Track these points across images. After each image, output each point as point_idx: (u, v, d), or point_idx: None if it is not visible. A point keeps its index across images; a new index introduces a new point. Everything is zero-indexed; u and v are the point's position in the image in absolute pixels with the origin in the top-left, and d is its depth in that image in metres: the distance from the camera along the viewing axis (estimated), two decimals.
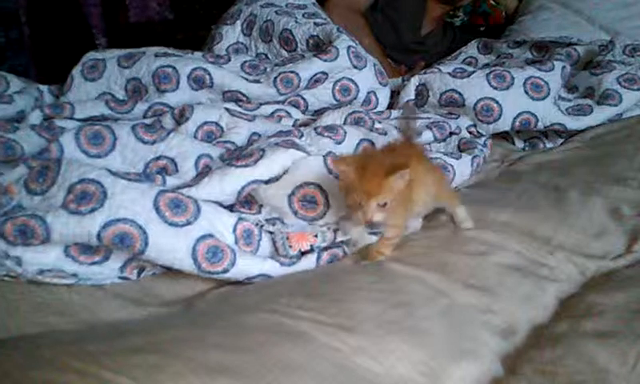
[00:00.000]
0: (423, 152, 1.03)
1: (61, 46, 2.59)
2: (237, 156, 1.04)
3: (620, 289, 0.82)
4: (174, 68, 1.33)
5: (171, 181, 1.01)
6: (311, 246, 0.99)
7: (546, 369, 0.68)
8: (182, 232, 0.89)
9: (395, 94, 1.58)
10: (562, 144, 1.46)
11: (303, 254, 0.98)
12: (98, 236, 0.85)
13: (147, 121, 1.26)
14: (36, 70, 2.63)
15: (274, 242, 0.99)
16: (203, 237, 0.91)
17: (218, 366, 0.61)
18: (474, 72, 1.46)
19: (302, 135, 1.15)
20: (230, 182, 0.98)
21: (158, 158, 1.07)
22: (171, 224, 0.89)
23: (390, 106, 1.53)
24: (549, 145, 1.48)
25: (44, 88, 1.40)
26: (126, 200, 0.88)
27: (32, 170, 0.95)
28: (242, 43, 1.65)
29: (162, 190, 0.92)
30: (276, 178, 1.00)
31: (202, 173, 1.04)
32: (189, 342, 0.65)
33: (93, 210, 0.86)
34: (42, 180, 0.92)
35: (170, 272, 0.93)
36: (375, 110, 1.46)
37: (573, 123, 1.41)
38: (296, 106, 1.41)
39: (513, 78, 1.41)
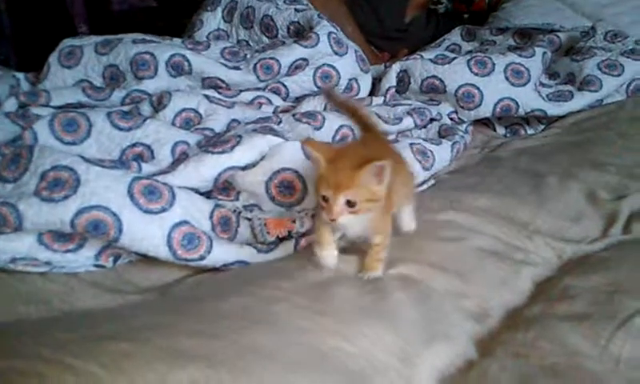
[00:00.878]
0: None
1: (42, 35, 2.55)
2: (213, 142, 1.03)
3: (595, 272, 0.82)
4: (152, 54, 1.31)
5: (147, 168, 1.00)
6: (289, 232, 0.98)
7: (520, 351, 0.68)
8: (157, 219, 0.89)
9: (377, 82, 1.57)
10: (542, 130, 1.46)
11: (281, 240, 0.98)
12: (72, 223, 0.84)
13: (125, 108, 1.24)
14: (17, 59, 2.59)
15: (251, 229, 0.99)
16: (179, 224, 0.90)
17: (188, 353, 0.60)
18: (455, 58, 1.45)
19: (280, 121, 1.14)
20: (206, 169, 0.97)
21: (133, 145, 1.06)
22: (146, 211, 0.88)
23: (372, 93, 1.52)
24: (530, 131, 1.48)
25: (20, 75, 1.37)
26: (99, 187, 0.87)
27: (4, 157, 0.93)
28: (223, 30, 1.64)
29: (137, 176, 0.91)
30: (253, 164, 0.99)
31: (179, 159, 1.03)
32: (160, 329, 0.65)
33: (66, 197, 0.85)
34: (14, 167, 0.90)
35: (145, 259, 0.92)
36: (357, 97, 1.45)
37: (553, 109, 1.42)
38: (277, 92, 1.40)
39: (494, 65, 1.41)
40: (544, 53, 1.49)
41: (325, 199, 0.75)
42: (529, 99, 1.40)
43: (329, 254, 0.82)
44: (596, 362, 0.64)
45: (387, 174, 0.74)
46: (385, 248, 0.82)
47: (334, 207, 0.73)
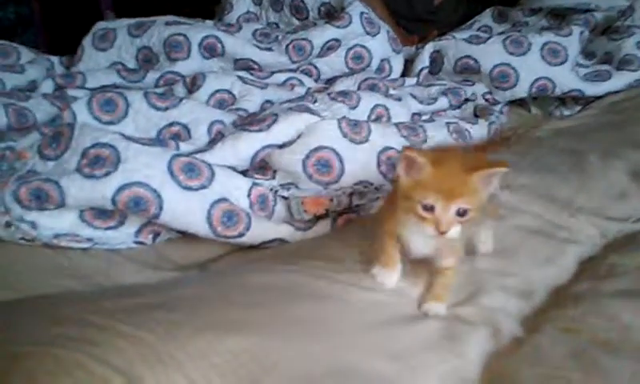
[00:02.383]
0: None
1: (70, 22, 2.58)
2: (250, 121, 1.03)
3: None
4: (186, 36, 1.32)
5: (184, 146, 1.01)
6: (326, 210, 0.98)
7: (570, 326, 0.67)
8: (197, 196, 0.89)
9: (408, 63, 1.55)
10: (579, 111, 1.43)
11: (318, 218, 0.98)
12: (113, 200, 0.85)
13: (159, 90, 1.25)
14: (46, 46, 2.62)
15: (288, 208, 0.98)
16: (218, 201, 0.90)
17: (237, 323, 0.60)
18: (489, 38, 1.43)
19: (315, 101, 1.13)
20: (243, 147, 0.97)
21: (170, 125, 1.06)
22: (186, 188, 0.88)
23: (404, 75, 1.50)
24: (566, 112, 1.45)
25: (54, 59, 1.39)
26: (139, 164, 0.87)
27: (45, 136, 0.94)
28: (253, 13, 1.63)
29: (176, 154, 0.91)
30: (290, 143, 0.99)
31: (216, 138, 1.03)
32: (206, 300, 0.65)
33: (107, 174, 0.86)
34: (55, 145, 0.91)
35: (185, 237, 0.93)
36: (389, 78, 1.44)
37: (591, 89, 1.38)
38: (308, 74, 1.39)
39: (530, 44, 1.38)
40: (581, 32, 1.46)
41: (427, 208, 0.62)
42: (566, 79, 1.37)
43: (393, 274, 0.72)
44: None
45: (496, 182, 0.64)
46: (454, 273, 0.71)
47: (443, 217, 0.61)
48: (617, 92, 1.41)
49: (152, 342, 0.55)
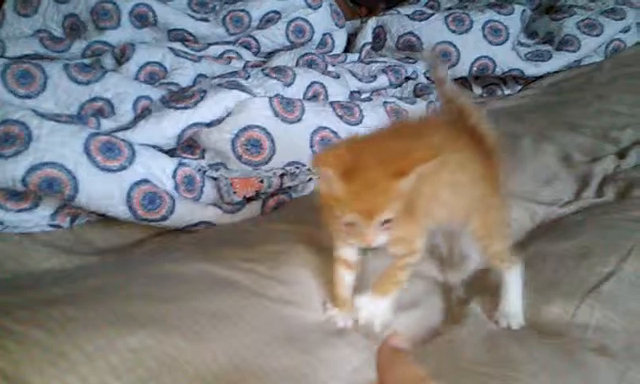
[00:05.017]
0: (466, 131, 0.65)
1: None
2: (177, 98, 0.98)
3: (565, 236, 0.81)
4: (115, 4, 1.24)
5: (107, 123, 0.95)
6: (257, 192, 0.95)
7: (488, 317, 0.66)
8: (116, 177, 0.84)
9: (353, 37, 1.52)
10: (519, 90, 1.44)
11: (248, 200, 0.95)
12: (23, 181, 0.80)
13: (86, 60, 1.18)
14: None
15: (217, 189, 0.95)
16: (139, 182, 0.86)
17: (140, 317, 0.57)
18: (432, 15, 1.41)
19: (248, 76, 1.09)
20: (168, 125, 0.92)
21: (93, 100, 1.00)
22: (103, 168, 0.84)
23: (346, 50, 1.47)
24: (507, 91, 1.45)
25: None
26: (53, 143, 0.82)
27: None
28: None
29: (94, 132, 0.86)
30: (218, 121, 0.95)
31: (141, 116, 0.98)
32: (112, 292, 0.61)
33: (17, 153, 0.80)
34: None
35: (105, 220, 0.89)
36: (331, 53, 1.41)
37: (531, 69, 1.39)
38: (247, 47, 1.34)
39: (472, 22, 1.37)
40: (523, 10, 1.46)
41: (349, 224, 0.56)
42: (506, 58, 1.37)
43: (346, 315, 0.65)
44: (564, 329, 0.63)
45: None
46: (407, 267, 0.63)
47: (367, 232, 0.55)
48: (557, 72, 1.42)
49: (43, 340, 0.51)
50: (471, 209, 0.65)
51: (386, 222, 0.55)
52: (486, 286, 0.73)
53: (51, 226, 0.87)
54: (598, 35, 1.43)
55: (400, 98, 1.20)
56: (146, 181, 0.86)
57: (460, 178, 0.63)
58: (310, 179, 1.00)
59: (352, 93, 1.22)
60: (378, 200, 0.54)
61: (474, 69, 1.36)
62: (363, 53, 1.43)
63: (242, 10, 1.30)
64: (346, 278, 0.65)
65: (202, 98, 0.94)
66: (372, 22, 1.46)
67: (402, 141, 0.58)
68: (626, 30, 1.47)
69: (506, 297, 0.67)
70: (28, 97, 0.98)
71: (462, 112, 0.65)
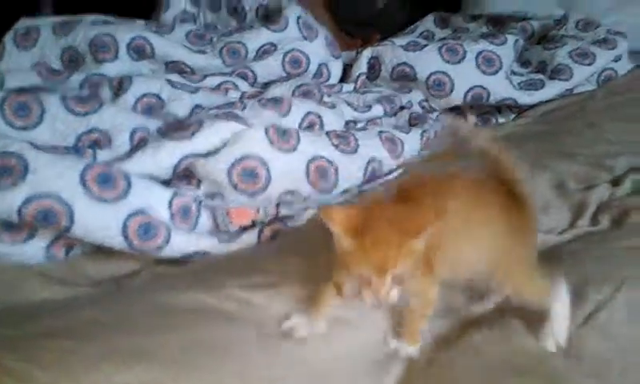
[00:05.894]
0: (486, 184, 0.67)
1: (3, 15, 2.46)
2: (174, 128, 0.99)
3: (561, 265, 0.81)
4: (113, 37, 1.26)
5: (104, 155, 0.96)
6: (253, 221, 0.95)
7: (481, 348, 0.66)
8: (112, 208, 0.85)
9: (348, 68, 1.53)
10: (513, 119, 1.45)
11: (244, 229, 0.95)
12: (19, 212, 0.80)
13: (83, 92, 1.19)
14: None
15: (214, 218, 0.95)
16: (135, 213, 0.86)
17: (135, 350, 0.57)
18: (426, 45, 1.43)
19: (244, 107, 1.10)
20: (165, 156, 0.93)
21: (90, 131, 1.00)
22: (99, 199, 0.84)
23: (342, 80, 1.49)
24: (501, 120, 1.47)
25: None
26: (49, 175, 0.83)
27: None
28: (190, 12, 1.58)
29: (90, 164, 0.87)
30: (214, 152, 0.95)
31: (137, 146, 0.99)
32: (108, 325, 0.62)
33: (13, 185, 0.81)
34: None
35: (101, 251, 0.88)
36: (327, 83, 1.42)
37: (524, 98, 1.40)
38: (244, 77, 1.35)
39: (465, 52, 1.39)
40: (516, 40, 1.48)
41: (362, 278, 0.57)
42: (500, 87, 1.38)
43: (309, 325, 0.66)
44: (560, 360, 0.62)
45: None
46: (423, 317, 0.65)
47: (380, 288, 0.56)
48: (550, 100, 1.44)
49: (39, 377, 0.51)
50: (494, 262, 0.65)
51: (399, 278, 0.56)
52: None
53: (47, 257, 0.87)
54: (590, 64, 1.45)
55: (395, 127, 1.21)
56: (141, 211, 0.87)
57: (480, 233, 0.64)
58: (306, 208, 1.00)
59: (347, 122, 1.23)
60: (390, 256, 0.55)
61: (468, 98, 1.37)
62: (359, 83, 1.44)
63: (239, 42, 1.32)
64: (331, 299, 0.66)
65: (199, 128, 0.95)
66: (367, 53, 1.48)
67: (416, 201, 0.60)
68: (617, 60, 1.49)
69: (554, 318, 0.65)
70: (25, 129, 0.98)
71: (498, 165, 0.66)
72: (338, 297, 0.64)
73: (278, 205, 0.97)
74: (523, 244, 0.67)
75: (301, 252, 0.79)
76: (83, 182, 0.84)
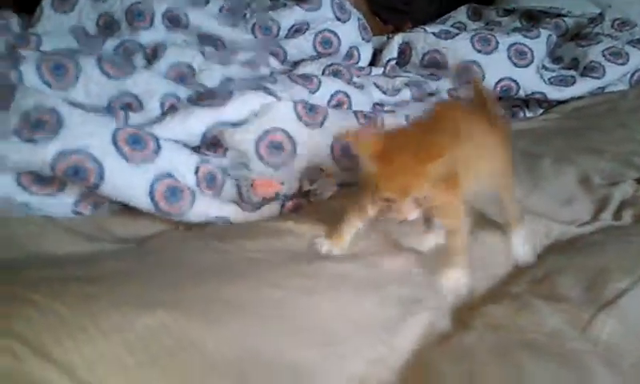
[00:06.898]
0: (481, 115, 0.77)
1: None
2: (204, 97, 1.00)
3: (581, 254, 0.81)
4: (149, 5, 1.28)
5: (135, 118, 0.98)
6: (276, 193, 0.96)
7: (499, 324, 0.67)
8: (141, 169, 0.86)
9: (379, 53, 1.53)
10: (542, 114, 1.44)
11: (267, 201, 0.96)
12: (52, 166, 0.82)
13: (118, 58, 1.21)
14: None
15: (238, 188, 0.97)
16: (162, 175, 0.88)
17: (156, 298, 0.59)
18: (458, 34, 1.42)
19: (275, 81, 1.11)
20: (194, 122, 0.95)
21: (122, 95, 1.03)
22: (129, 159, 0.86)
23: (372, 64, 1.49)
24: (529, 114, 1.45)
25: (12, 18, 1.33)
26: (82, 131, 0.85)
27: None
28: None
29: (122, 125, 0.89)
30: (243, 122, 0.97)
31: (168, 112, 1.00)
32: (129, 275, 0.63)
33: (47, 139, 0.82)
34: None
35: (126, 210, 0.90)
36: (356, 66, 1.42)
37: (554, 93, 1.39)
38: (275, 54, 1.36)
39: (497, 43, 1.38)
40: (549, 35, 1.46)
41: (386, 199, 0.65)
42: (530, 81, 1.37)
43: (332, 244, 0.75)
44: (575, 341, 0.63)
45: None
46: (459, 233, 0.72)
47: (402, 210, 0.64)
48: (580, 97, 1.43)
49: (63, 313, 0.53)
50: (495, 174, 0.76)
51: (420, 201, 0.64)
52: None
53: (74, 212, 0.89)
54: (623, 64, 1.43)
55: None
56: (169, 174, 0.88)
57: (484, 152, 0.74)
58: (330, 185, 1.01)
59: (375, 104, 1.23)
60: (412, 181, 0.63)
61: (498, 89, 1.36)
62: (388, 67, 1.44)
63: (272, 19, 1.33)
64: (354, 223, 0.74)
65: (229, 98, 0.96)
66: (398, 38, 1.48)
67: (432, 131, 0.68)
68: None
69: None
70: (61, 89, 1.01)
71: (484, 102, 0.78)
72: (362, 218, 0.73)
73: (301, 179, 0.98)
74: (508, 163, 0.79)
75: (324, 222, 0.81)
76: (114, 141, 0.86)
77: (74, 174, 0.83)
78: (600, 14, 1.63)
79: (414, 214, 0.65)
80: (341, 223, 0.75)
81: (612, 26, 1.59)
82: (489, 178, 0.76)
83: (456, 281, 0.73)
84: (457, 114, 0.76)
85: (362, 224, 0.75)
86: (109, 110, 0.98)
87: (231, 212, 0.91)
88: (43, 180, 0.87)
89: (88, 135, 0.85)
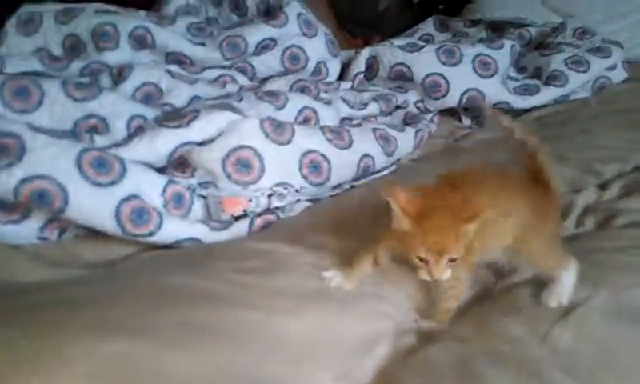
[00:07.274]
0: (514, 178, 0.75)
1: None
2: (170, 117, 1.00)
3: None
4: (115, 26, 1.28)
5: (101, 140, 0.98)
6: (244, 211, 0.97)
7: (462, 337, 0.68)
8: (106, 192, 0.86)
9: (346, 66, 1.55)
10: None
11: (236, 219, 0.96)
12: (15, 192, 0.81)
13: (83, 80, 1.20)
14: None
15: (206, 207, 0.97)
16: (128, 198, 0.87)
17: (123, 324, 0.59)
18: (424, 47, 1.44)
19: (241, 99, 1.12)
20: (161, 143, 0.94)
21: (88, 117, 1.02)
22: (94, 183, 0.85)
23: (341, 78, 1.50)
24: None
25: None
26: (45, 156, 0.84)
27: None
28: (193, 5, 1.59)
29: (87, 148, 0.88)
30: (210, 141, 0.97)
31: (134, 133, 1.00)
32: (94, 301, 0.63)
33: (10, 165, 0.82)
34: None
35: (94, 234, 0.90)
36: (324, 81, 1.44)
37: (519, 102, 1.42)
38: (243, 71, 1.37)
39: (462, 55, 1.40)
40: (512, 46, 1.49)
41: (421, 259, 0.64)
42: (495, 91, 1.40)
43: (343, 281, 0.74)
44: (535, 349, 0.64)
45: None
46: (455, 296, 0.73)
47: (437, 269, 0.64)
48: (544, 106, 1.46)
49: (24, 345, 0.53)
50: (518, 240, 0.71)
51: (453, 260, 0.64)
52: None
53: (39, 238, 0.89)
54: (584, 72, 1.46)
55: (390, 126, 1.23)
56: (135, 196, 0.88)
57: (508, 220, 0.70)
58: (298, 201, 1.02)
59: (343, 119, 1.24)
60: (448, 241, 0.63)
61: (464, 100, 1.39)
62: (356, 81, 1.46)
63: (239, 36, 1.33)
64: (365, 268, 0.74)
65: (195, 117, 0.96)
66: (365, 52, 1.50)
67: (467, 191, 0.66)
68: (612, 68, 1.51)
69: (563, 282, 0.71)
70: (23, 112, 1.00)
71: (530, 153, 0.75)
72: (374, 265, 0.74)
73: (270, 196, 0.98)
74: (546, 221, 0.73)
75: (293, 240, 0.81)
76: (79, 165, 0.85)
77: (39, 200, 0.82)
78: (562, 24, 1.67)
79: (446, 273, 0.64)
80: (352, 266, 0.75)
81: (573, 35, 1.63)
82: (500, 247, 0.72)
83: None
84: (496, 177, 0.73)
85: (371, 269, 0.75)
86: (74, 133, 0.98)
87: (201, 232, 0.91)
88: (6, 206, 0.86)
89: (52, 159, 0.84)
